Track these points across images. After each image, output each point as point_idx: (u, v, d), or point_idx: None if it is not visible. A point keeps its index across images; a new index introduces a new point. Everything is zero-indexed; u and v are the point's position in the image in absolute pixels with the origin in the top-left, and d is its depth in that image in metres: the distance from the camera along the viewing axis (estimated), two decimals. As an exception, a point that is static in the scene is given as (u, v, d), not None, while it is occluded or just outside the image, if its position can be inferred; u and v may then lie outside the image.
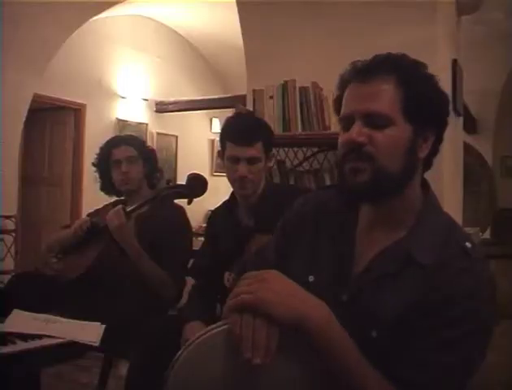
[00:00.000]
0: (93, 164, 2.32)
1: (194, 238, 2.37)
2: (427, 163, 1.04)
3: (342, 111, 1.02)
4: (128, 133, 6.13)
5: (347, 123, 0.99)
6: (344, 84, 1.03)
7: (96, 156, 2.32)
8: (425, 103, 0.97)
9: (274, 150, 2.00)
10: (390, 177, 0.96)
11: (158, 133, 6.67)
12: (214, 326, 0.88)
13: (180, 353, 0.88)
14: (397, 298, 0.93)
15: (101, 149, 2.30)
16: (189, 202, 2.03)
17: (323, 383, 0.88)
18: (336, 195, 1.10)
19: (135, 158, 2.22)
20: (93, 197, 2.31)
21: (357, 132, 0.96)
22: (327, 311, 0.89)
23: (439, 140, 1.03)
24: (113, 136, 2.57)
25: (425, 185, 1.05)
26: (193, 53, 7.28)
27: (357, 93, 0.98)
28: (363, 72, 0.99)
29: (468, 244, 0.95)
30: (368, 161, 0.95)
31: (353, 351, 0.89)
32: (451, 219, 1.02)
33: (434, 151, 1.03)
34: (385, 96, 0.96)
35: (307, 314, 0.86)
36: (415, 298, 0.92)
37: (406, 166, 0.97)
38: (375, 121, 0.95)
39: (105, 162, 2.26)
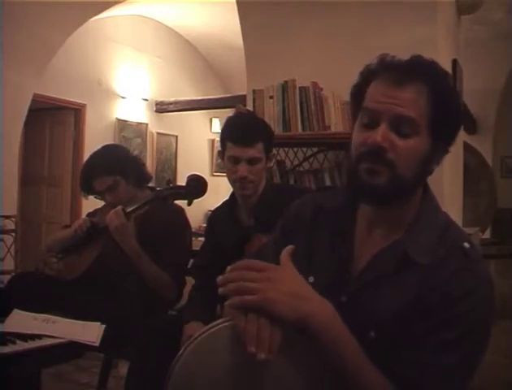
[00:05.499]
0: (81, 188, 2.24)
1: (194, 238, 2.37)
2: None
3: (367, 104, 0.98)
4: (128, 133, 6.15)
5: (369, 118, 0.96)
6: (370, 75, 1.00)
7: (80, 184, 2.23)
8: (449, 121, 0.96)
9: (274, 150, 2.00)
10: (404, 184, 0.95)
11: (158, 133, 6.68)
12: (218, 322, 0.89)
13: (184, 347, 0.88)
14: (396, 298, 0.93)
15: (81, 179, 2.20)
16: (189, 203, 2.03)
17: (325, 382, 0.88)
18: (334, 196, 1.10)
19: (116, 183, 2.13)
20: (93, 197, 2.30)
21: (383, 136, 0.93)
22: (331, 310, 0.89)
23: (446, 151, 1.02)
24: (91, 153, 2.22)
25: (424, 186, 1.05)
26: (193, 53, 7.28)
27: (390, 94, 0.95)
28: (397, 74, 0.96)
29: (466, 245, 0.95)
30: (387, 166, 0.94)
31: (356, 350, 0.89)
32: (449, 219, 1.02)
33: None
34: (418, 106, 0.94)
35: (312, 314, 0.86)
36: (414, 298, 0.92)
37: (419, 176, 0.97)
38: (402, 128, 0.93)
39: (89, 191, 2.20)
